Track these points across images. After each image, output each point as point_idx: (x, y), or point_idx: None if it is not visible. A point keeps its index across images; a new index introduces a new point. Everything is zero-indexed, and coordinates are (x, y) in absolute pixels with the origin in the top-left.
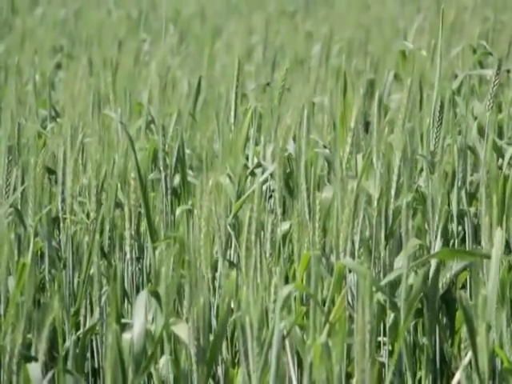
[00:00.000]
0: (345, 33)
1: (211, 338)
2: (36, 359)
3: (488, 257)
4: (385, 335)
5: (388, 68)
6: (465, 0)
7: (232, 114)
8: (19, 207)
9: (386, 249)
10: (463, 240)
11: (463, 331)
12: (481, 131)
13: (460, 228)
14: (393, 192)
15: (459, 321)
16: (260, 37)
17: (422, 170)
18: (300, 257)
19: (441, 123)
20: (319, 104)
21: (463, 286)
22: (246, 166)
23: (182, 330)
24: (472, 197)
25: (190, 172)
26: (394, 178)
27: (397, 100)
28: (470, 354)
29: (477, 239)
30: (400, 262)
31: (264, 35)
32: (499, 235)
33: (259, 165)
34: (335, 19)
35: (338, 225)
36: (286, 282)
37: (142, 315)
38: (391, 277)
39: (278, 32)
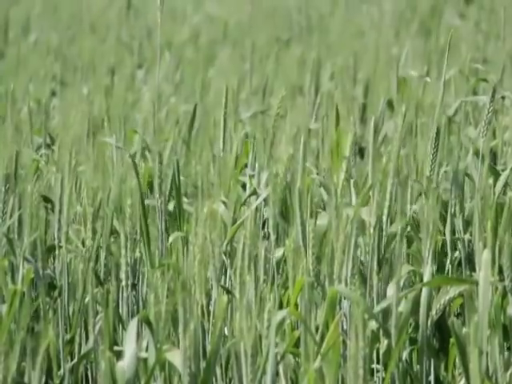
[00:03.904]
0: (337, 59)
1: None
2: None
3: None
4: (378, 362)
5: (381, 94)
6: (457, 27)
7: (221, 142)
8: (16, 236)
9: (378, 275)
10: (459, 266)
11: (458, 357)
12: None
13: (456, 254)
14: (384, 218)
15: (453, 347)
16: (252, 63)
17: (419, 195)
18: (294, 283)
19: (436, 149)
20: (314, 131)
21: (459, 314)
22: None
23: (176, 357)
24: (468, 223)
25: (184, 199)
26: (387, 204)
27: (390, 126)
28: (463, 381)
29: (471, 265)
30: (392, 288)
31: (255, 62)
32: (486, 257)
33: (255, 192)
34: (329, 45)
35: (332, 252)
36: (281, 308)
37: (133, 343)
38: (384, 304)
39: (270, 58)
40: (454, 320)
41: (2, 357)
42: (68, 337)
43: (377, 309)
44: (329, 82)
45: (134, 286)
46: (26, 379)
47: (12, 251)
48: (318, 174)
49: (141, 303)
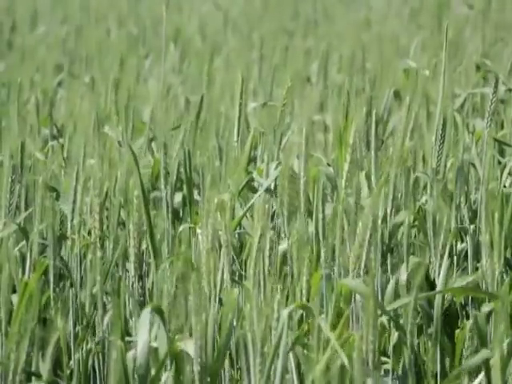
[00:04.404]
0: (344, 50)
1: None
2: (39, 376)
3: (497, 297)
4: (384, 355)
5: (388, 86)
6: (464, 15)
7: (235, 132)
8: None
9: (383, 266)
10: (465, 257)
11: (465, 348)
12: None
13: (462, 245)
14: (388, 210)
15: (460, 338)
16: (259, 54)
17: (424, 187)
18: (300, 275)
19: (443, 141)
20: (320, 122)
21: (465, 304)
22: (249, 184)
23: (189, 346)
24: (475, 214)
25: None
26: (390, 195)
27: (397, 118)
28: (480, 376)
29: (477, 256)
30: (401, 273)
31: (263, 52)
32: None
33: (252, 179)
34: (335, 36)
35: (339, 243)
36: (288, 299)
37: (145, 333)
38: (398, 304)
39: (276, 49)
40: (477, 314)
41: (14, 346)
42: (79, 328)
43: (391, 307)
44: (336, 73)
45: (140, 277)
46: (35, 370)
47: (26, 240)
48: (329, 164)
49: (147, 294)
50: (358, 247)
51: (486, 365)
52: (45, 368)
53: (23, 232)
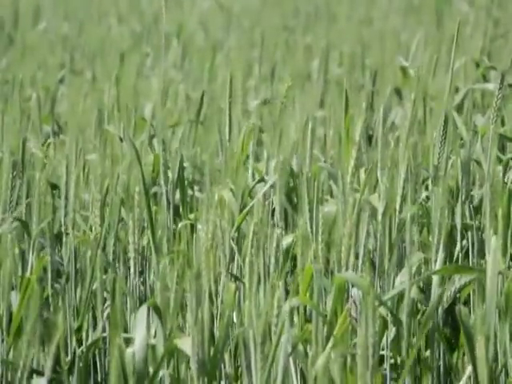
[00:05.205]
0: (345, 47)
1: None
2: (41, 374)
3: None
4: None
5: (388, 82)
6: (466, 12)
7: (227, 130)
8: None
9: (389, 262)
10: (468, 253)
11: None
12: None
13: (465, 242)
14: (397, 206)
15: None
16: (260, 51)
17: (426, 183)
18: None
19: (445, 137)
20: (319, 118)
21: (466, 301)
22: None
23: (186, 344)
24: (477, 210)
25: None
26: (399, 191)
27: (397, 114)
28: (470, 367)
29: (480, 253)
30: (403, 275)
31: (264, 49)
32: (495, 244)
33: (262, 179)
34: (336, 33)
35: (341, 238)
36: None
37: (143, 330)
38: (394, 292)
39: (277, 45)
40: (460, 308)
41: (15, 343)
42: (76, 324)
43: (387, 296)
44: (337, 70)
45: (141, 273)
46: (36, 366)
47: (28, 233)
48: (325, 161)
49: (148, 291)
50: (347, 238)
51: (472, 357)
52: (47, 365)
53: (25, 227)
